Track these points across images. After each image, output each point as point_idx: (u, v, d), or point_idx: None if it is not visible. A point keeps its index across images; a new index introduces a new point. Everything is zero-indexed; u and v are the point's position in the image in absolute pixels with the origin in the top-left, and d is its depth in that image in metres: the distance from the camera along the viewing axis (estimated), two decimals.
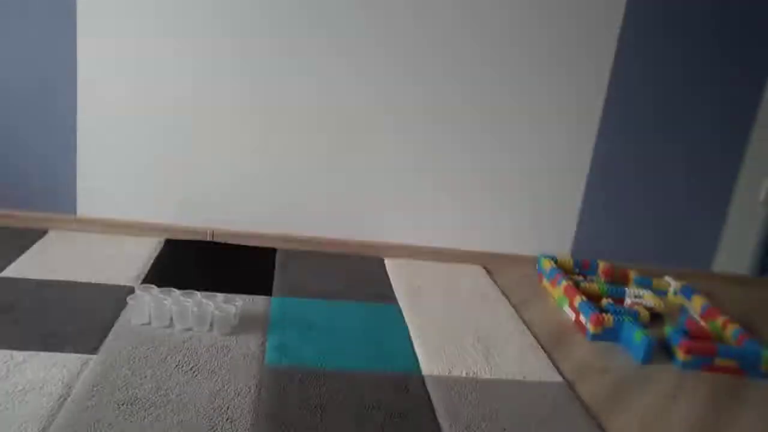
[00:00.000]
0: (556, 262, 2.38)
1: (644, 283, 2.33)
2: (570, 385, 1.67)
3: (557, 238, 2.47)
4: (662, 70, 2.34)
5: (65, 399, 1.33)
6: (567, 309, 2.10)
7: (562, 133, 2.36)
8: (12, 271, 1.88)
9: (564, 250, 2.49)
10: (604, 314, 1.94)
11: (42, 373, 1.41)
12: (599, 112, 2.36)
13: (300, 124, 2.25)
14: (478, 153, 2.35)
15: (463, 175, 2.37)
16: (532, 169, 2.39)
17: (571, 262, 2.40)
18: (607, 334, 1.93)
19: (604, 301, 2.10)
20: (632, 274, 2.38)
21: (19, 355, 1.47)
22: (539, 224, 2.45)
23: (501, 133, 2.34)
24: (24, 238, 2.11)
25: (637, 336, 1.84)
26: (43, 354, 1.48)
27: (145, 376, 1.45)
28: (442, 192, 2.38)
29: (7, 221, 2.20)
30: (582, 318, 1.98)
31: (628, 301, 2.14)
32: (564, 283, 2.16)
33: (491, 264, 2.45)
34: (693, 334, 1.90)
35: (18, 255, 1.98)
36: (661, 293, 2.33)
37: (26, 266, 1.92)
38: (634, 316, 2.01)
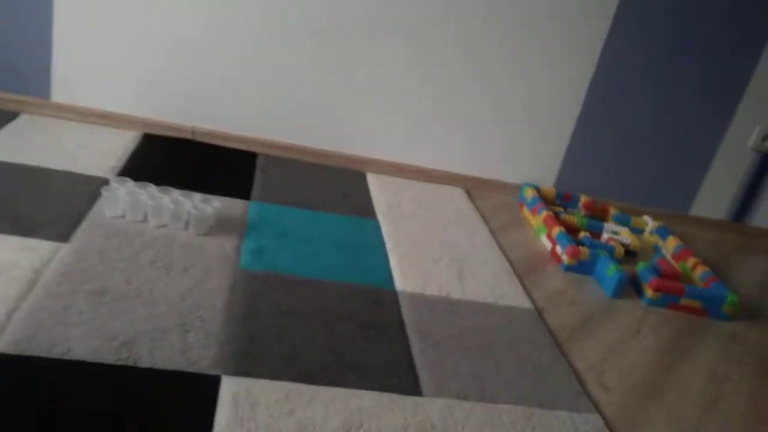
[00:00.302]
0: (538, 191, 2.37)
1: (623, 220, 2.35)
2: (539, 312, 1.70)
3: (542, 168, 2.46)
4: (661, 11, 2.26)
5: (34, 284, 1.31)
6: (544, 238, 2.11)
7: (559, 63, 2.29)
8: None
9: (547, 181, 2.48)
10: (580, 247, 1.96)
11: (11, 256, 1.38)
12: (599, 47, 2.28)
13: (294, 28, 2.14)
14: (474, 75, 2.28)
15: (455, 96, 2.31)
16: (525, 96, 2.33)
17: (554, 193, 2.39)
18: (582, 267, 1.95)
19: (582, 234, 2.12)
20: (612, 210, 2.39)
21: None
22: (525, 153, 2.42)
23: (500, 56, 2.26)
24: None
25: (610, 270, 1.87)
26: (12, 238, 1.45)
27: (116, 269, 1.43)
28: (431, 111, 2.32)
29: None
30: (558, 248, 2.00)
31: (605, 236, 2.16)
32: (544, 212, 2.16)
33: (474, 188, 2.43)
34: (663, 273, 1.93)
35: None
36: (637, 231, 2.35)
37: None
38: (610, 251, 2.03)
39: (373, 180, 2.29)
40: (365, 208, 2.05)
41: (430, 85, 2.28)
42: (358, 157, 2.34)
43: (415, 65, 2.25)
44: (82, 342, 1.19)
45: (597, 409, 1.36)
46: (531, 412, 1.30)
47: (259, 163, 2.20)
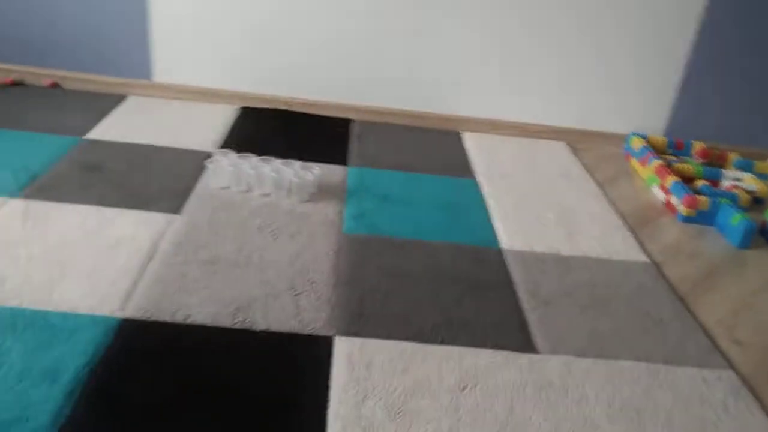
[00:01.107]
0: (646, 140, 2.22)
1: (745, 166, 2.16)
2: (657, 266, 1.59)
3: (650, 115, 2.30)
4: None
5: (153, 254, 1.38)
6: (657, 189, 1.98)
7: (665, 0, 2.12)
8: (96, 133, 1.91)
9: (656, 129, 2.32)
10: (698, 196, 1.82)
11: (131, 230, 1.45)
12: None
13: None
14: (572, 19, 2.15)
15: (550, 45, 2.19)
16: (627, 38, 2.18)
17: (664, 142, 2.24)
18: (701, 217, 1.81)
19: (699, 183, 1.97)
20: (731, 156, 2.20)
21: (108, 212, 1.51)
22: (630, 100, 2.27)
23: (597, 1, 2.12)
24: (104, 103, 2.12)
25: (735, 219, 1.72)
26: (129, 212, 1.52)
27: (227, 237, 1.47)
28: (526, 63, 2.22)
29: (87, 86, 2.22)
30: (673, 199, 1.87)
31: (725, 183, 1.99)
32: (655, 162, 2.02)
33: (576, 141, 2.32)
34: None
35: (99, 119, 2.01)
36: (763, 177, 2.15)
37: (108, 129, 1.94)
38: (733, 199, 1.87)
39: (469, 139, 2.23)
40: (463, 168, 2.00)
41: (524, 35, 2.18)
42: (452, 116, 2.28)
43: (508, 14, 2.15)
44: (200, 308, 1.23)
45: (730, 365, 1.27)
46: (656, 368, 1.23)
47: (354, 128, 2.20)
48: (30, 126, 1.88)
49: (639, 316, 1.38)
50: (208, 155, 1.82)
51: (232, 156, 1.74)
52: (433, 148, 2.12)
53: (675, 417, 1.12)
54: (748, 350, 1.32)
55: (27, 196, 1.53)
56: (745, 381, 1.22)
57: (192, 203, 1.60)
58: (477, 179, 1.93)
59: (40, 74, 2.20)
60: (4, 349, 1.07)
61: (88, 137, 1.87)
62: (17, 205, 1.49)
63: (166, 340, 1.15)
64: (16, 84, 2.17)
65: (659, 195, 1.96)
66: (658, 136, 2.26)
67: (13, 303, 1.18)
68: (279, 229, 1.54)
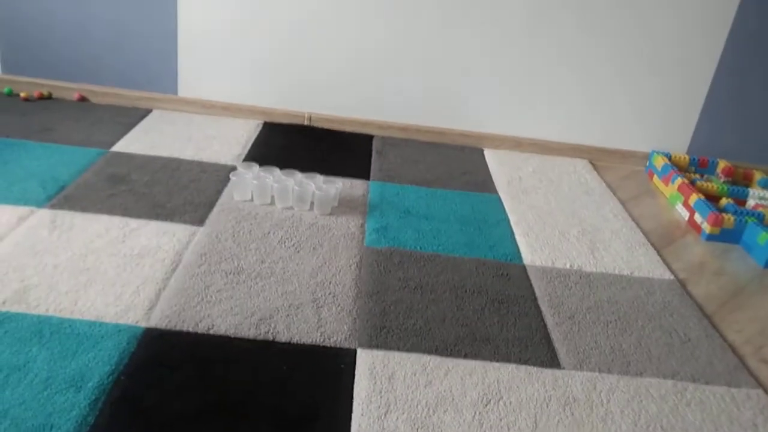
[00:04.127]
0: (669, 159, 2.21)
1: None
2: (681, 283, 1.57)
3: (672, 134, 2.28)
4: None
5: (177, 265, 1.38)
6: (680, 207, 1.96)
7: (689, 18, 2.11)
8: (121, 145, 1.93)
9: (679, 148, 2.30)
10: (723, 214, 1.80)
11: (155, 240, 1.46)
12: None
13: (401, 8, 2.12)
14: (592, 40, 2.16)
15: (573, 64, 2.19)
16: (651, 57, 2.17)
17: (687, 160, 2.22)
18: (726, 235, 1.79)
19: (724, 201, 1.94)
20: (757, 175, 2.18)
21: (133, 222, 1.52)
22: (653, 118, 2.26)
23: (622, 17, 2.12)
24: (130, 116, 2.16)
25: (762, 238, 1.70)
26: (154, 223, 1.54)
27: (250, 249, 1.48)
28: (548, 81, 2.22)
29: (114, 100, 2.26)
30: (697, 217, 1.85)
31: (751, 202, 1.97)
32: (678, 180, 2.00)
33: (598, 159, 2.31)
34: None
35: (126, 131, 2.04)
36: None
37: (134, 142, 1.97)
38: (759, 217, 1.85)
39: (491, 155, 2.23)
40: (485, 184, 2.00)
41: (548, 53, 2.18)
42: (474, 133, 2.29)
43: (532, 32, 2.16)
44: (223, 318, 1.23)
45: (759, 384, 1.24)
46: (683, 386, 1.21)
47: (376, 144, 2.21)
48: (58, 138, 1.92)
49: (665, 334, 1.36)
50: (232, 168, 1.84)
51: (255, 169, 1.75)
52: (454, 164, 2.12)
53: None
54: None
55: (54, 206, 1.55)
56: None
57: (215, 215, 1.61)
58: (499, 195, 1.93)
59: (68, 88, 2.24)
60: (31, 356, 1.08)
61: (114, 149, 1.90)
62: (45, 214, 1.51)
63: (190, 349, 1.15)
64: (45, 98, 2.21)
65: (683, 213, 1.94)
66: (681, 154, 2.24)
67: (39, 311, 1.19)
68: (301, 241, 1.54)
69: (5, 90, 2.19)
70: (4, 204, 1.53)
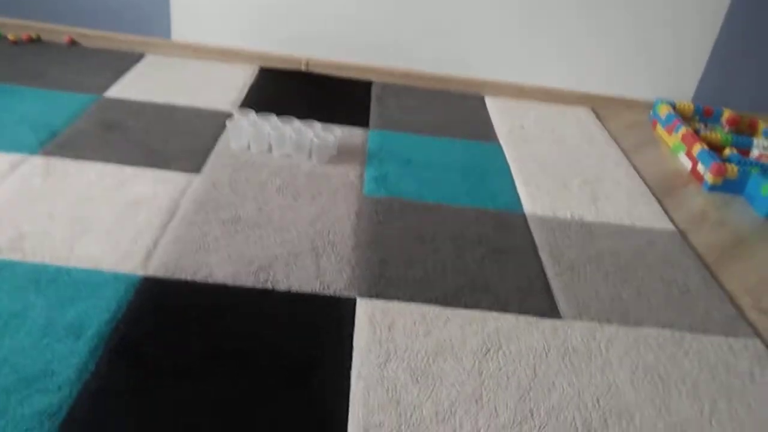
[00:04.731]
0: (674, 107, 2.17)
1: None
2: (682, 234, 1.57)
3: (678, 82, 2.24)
4: None
5: (174, 213, 1.37)
6: (683, 157, 1.93)
7: None
8: (114, 91, 1.89)
9: (684, 96, 2.26)
10: (726, 164, 1.78)
11: (151, 188, 1.44)
12: None
13: None
14: None
15: (573, 9, 2.12)
16: (659, 3, 2.10)
17: (692, 108, 2.18)
18: (728, 186, 1.77)
19: (727, 151, 1.92)
20: (762, 125, 2.14)
21: (128, 170, 1.50)
22: (658, 66, 2.21)
23: None
24: (122, 61, 2.10)
25: (765, 189, 1.68)
26: (150, 171, 1.51)
27: (247, 197, 1.46)
28: (550, 27, 2.16)
29: (106, 43, 2.19)
30: (700, 167, 1.82)
31: (755, 152, 1.95)
32: (682, 129, 1.97)
33: (601, 107, 2.26)
34: None
35: (118, 77, 1.98)
36: None
37: (127, 88, 1.92)
38: (763, 168, 1.83)
39: (492, 103, 2.19)
40: (486, 133, 1.97)
41: (548, 1, 2.12)
42: (475, 80, 2.24)
43: None
44: (222, 266, 1.22)
45: (757, 334, 1.25)
46: (681, 336, 1.21)
47: (375, 91, 2.16)
48: (49, 83, 1.87)
49: (664, 284, 1.36)
50: (228, 115, 1.80)
51: (252, 116, 1.71)
52: (455, 112, 2.08)
53: (700, 385, 1.11)
54: None
55: (47, 153, 1.52)
56: None
57: (212, 162, 1.58)
58: (500, 144, 1.90)
59: (58, 31, 2.17)
60: (29, 303, 1.07)
61: (107, 95, 1.85)
62: (37, 161, 1.48)
63: (188, 298, 1.14)
64: (34, 40, 2.15)
65: (686, 163, 1.92)
66: (686, 103, 2.20)
67: (35, 259, 1.18)
68: (299, 190, 1.52)
69: None
70: None
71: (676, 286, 1.36)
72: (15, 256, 1.17)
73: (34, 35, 2.15)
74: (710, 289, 1.36)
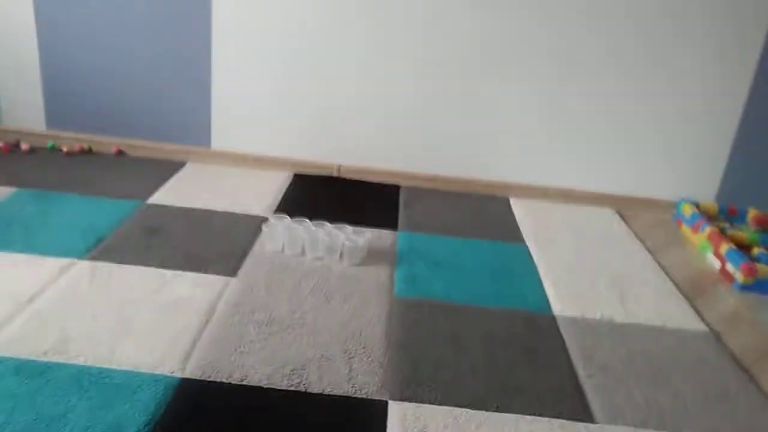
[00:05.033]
0: (698, 207, 2.20)
1: None
2: (716, 335, 1.55)
3: (700, 182, 2.28)
4: None
5: (211, 315, 1.41)
6: (711, 256, 1.94)
7: (715, 63, 2.14)
8: (157, 198, 1.99)
9: (707, 196, 2.29)
10: (757, 263, 1.78)
11: (189, 291, 1.50)
12: (759, 46, 2.11)
13: (426, 64, 2.19)
14: (619, 88, 2.19)
15: (595, 113, 2.22)
16: (677, 105, 2.20)
17: (716, 208, 2.21)
18: (760, 286, 1.77)
19: (756, 251, 1.93)
20: None
21: (168, 273, 1.56)
22: (680, 167, 2.27)
23: (649, 64, 2.16)
24: (165, 169, 2.23)
25: None
26: (188, 274, 1.57)
27: (281, 299, 1.50)
28: (575, 130, 2.25)
29: (150, 153, 2.34)
30: (729, 266, 1.83)
31: None
32: (708, 229, 1.99)
33: (624, 208, 2.31)
34: None
35: (161, 184, 2.10)
36: None
37: (169, 194, 2.03)
38: None
39: (517, 205, 2.25)
40: (512, 234, 2.01)
41: (573, 101, 2.22)
42: (500, 182, 2.31)
43: (557, 81, 2.20)
44: (256, 369, 1.25)
45: None
46: None
47: (403, 194, 2.24)
48: (97, 191, 1.99)
49: (701, 387, 1.34)
50: (264, 219, 1.88)
51: (286, 220, 1.79)
52: (481, 214, 2.14)
53: None
54: None
55: (94, 257, 1.60)
56: None
57: (248, 265, 1.64)
58: (526, 244, 1.94)
59: (107, 143, 2.33)
60: (71, 406, 1.10)
61: (150, 201, 1.96)
62: (85, 265, 1.56)
63: (224, 400, 1.16)
64: (86, 152, 2.30)
65: (714, 262, 1.92)
66: (709, 203, 2.24)
67: (79, 361, 1.22)
68: (332, 291, 1.56)
69: (49, 144, 2.29)
70: (46, 255, 1.58)
71: (714, 390, 1.34)
72: (60, 358, 1.22)
73: (86, 147, 2.30)
74: (750, 394, 1.34)
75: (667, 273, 1.85)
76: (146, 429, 1.07)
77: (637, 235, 2.10)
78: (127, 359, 1.24)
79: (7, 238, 1.65)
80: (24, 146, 2.26)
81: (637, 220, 2.23)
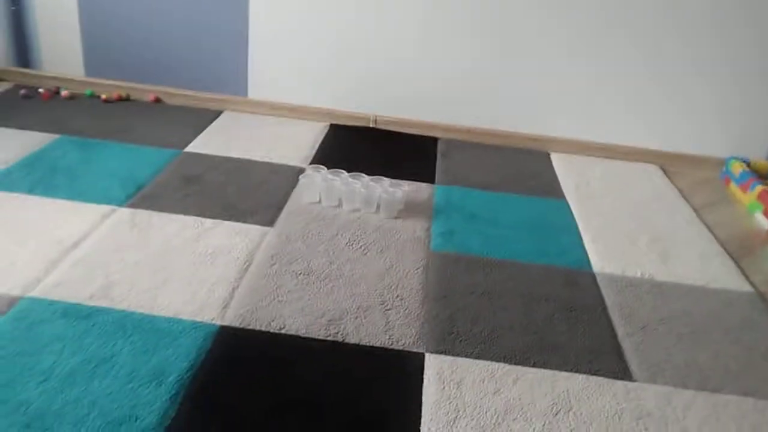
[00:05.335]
0: (748, 165, 2.12)
1: None
2: (762, 296, 1.51)
3: (751, 139, 2.19)
4: None
5: (249, 265, 1.42)
6: (760, 216, 1.88)
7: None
8: (195, 146, 2.00)
9: (758, 153, 2.20)
10: None
11: (228, 240, 1.51)
12: None
13: (469, 12, 2.12)
14: (667, 39, 2.09)
15: (645, 64, 2.13)
16: (729, 57, 2.09)
17: None
18: None
19: None
20: None
21: (207, 222, 1.58)
22: (730, 122, 2.18)
23: (700, 13, 2.05)
24: (201, 117, 2.23)
25: None
26: (227, 223, 1.58)
27: (318, 251, 1.51)
28: (617, 83, 2.17)
29: (187, 101, 2.34)
30: None
31: None
32: (758, 187, 1.92)
33: (669, 164, 2.23)
34: None
35: (198, 132, 2.10)
36: None
37: (206, 143, 2.03)
38: None
39: (557, 159, 2.20)
40: (552, 189, 1.97)
41: (618, 52, 2.13)
42: (540, 136, 2.26)
43: (600, 30, 2.11)
44: (294, 318, 1.26)
45: None
46: (764, 405, 1.16)
47: (440, 147, 2.21)
48: (136, 139, 2.00)
49: (744, 349, 1.31)
50: (301, 170, 1.88)
51: (324, 172, 1.78)
52: (520, 168, 2.10)
53: None
54: None
55: (133, 205, 1.62)
56: None
57: (285, 216, 1.65)
58: (566, 200, 1.90)
59: (144, 90, 2.33)
60: (116, 349, 1.13)
61: (188, 150, 1.97)
62: (125, 213, 1.58)
63: (263, 348, 1.18)
64: (124, 99, 2.31)
65: (763, 222, 1.86)
66: (761, 160, 2.15)
67: (122, 306, 1.25)
68: (368, 244, 1.56)
69: (87, 92, 2.30)
70: (88, 202, 1.60)
71: (757, 352, 1.31)
72: (105, 303, 1.25)
73: (123, 94, 2.31)
74: None
75: (712, 232, 1.80)
76: (188, 375, 1.09)
77: (681, 193, 2.03)
78: (168, 306, 1.26)
79: (53, 184, 1.68)
80: (64, 93, 2.28)
81: (682, 177, 2.16)
